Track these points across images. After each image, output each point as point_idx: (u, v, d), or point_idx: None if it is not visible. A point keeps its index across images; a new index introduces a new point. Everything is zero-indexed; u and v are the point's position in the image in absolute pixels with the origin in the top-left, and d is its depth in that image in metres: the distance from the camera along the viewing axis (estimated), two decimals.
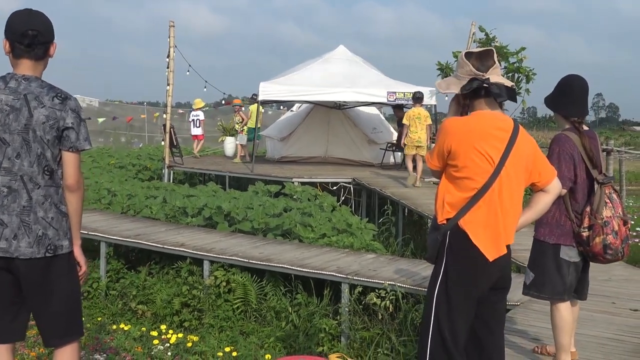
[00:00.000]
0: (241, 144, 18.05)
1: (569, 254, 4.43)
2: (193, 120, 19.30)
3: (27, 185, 3.39)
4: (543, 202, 3.61)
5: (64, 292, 3.53)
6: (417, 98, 13.58)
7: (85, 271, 3.69)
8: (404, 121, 13.40)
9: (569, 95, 4.48)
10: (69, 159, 3.44)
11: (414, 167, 13.48)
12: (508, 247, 3.43)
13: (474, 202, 3.32)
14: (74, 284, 3.60)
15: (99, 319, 7.85)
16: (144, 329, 7.11)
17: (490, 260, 3.32)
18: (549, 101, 4.56)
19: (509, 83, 3.52)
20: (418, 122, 13.26)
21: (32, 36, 3.36)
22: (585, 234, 4.33)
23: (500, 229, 3.37)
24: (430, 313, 3.42)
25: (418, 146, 13.22)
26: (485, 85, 3.38)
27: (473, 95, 3.43)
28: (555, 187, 3.65)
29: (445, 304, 3.38)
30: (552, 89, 4.58)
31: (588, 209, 4.34)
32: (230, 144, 20.70)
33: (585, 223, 4.33)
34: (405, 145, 13.35)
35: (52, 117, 3.37)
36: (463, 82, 3.42)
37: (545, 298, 4.52)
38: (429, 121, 13.83)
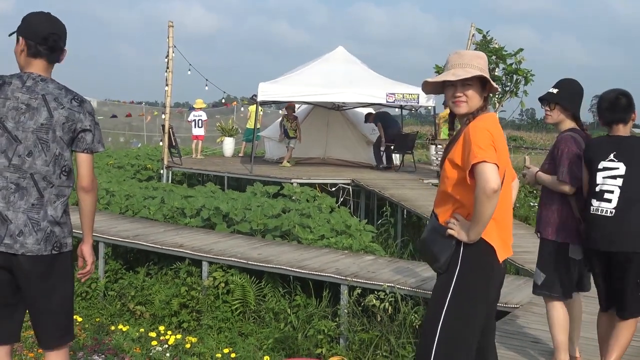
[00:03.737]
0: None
1: (576, 252, 4.53)
2: (195, 120, 19.21)
3: (38, 183, 3.41)
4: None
5: (65, 291, 3.58)
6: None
7: (90, 270, 3.74)
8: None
9: (580, 97, 4.62)
10: (84, 160, 3.52)
11: None
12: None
13: None
14: (72, 284, 3.66)
15: (98, 319, 7.84)
16: (142, 329, 7.09)
17: (500, 261, 3.31)
18: (567, 100, 4.60)
19: None
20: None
21: (53, 40, 3.47)
22: None
23: (507, 228, 3.37)
24: (437, 325, 3.23)
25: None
26: None
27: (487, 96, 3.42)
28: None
29: (458, 316, 3.23)
30: (547, 91, 4.65)
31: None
32: (229, 145, 20.66)
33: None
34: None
35: (71, 118, 3.45)
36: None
37: (557, 298, 4.55)
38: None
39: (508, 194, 3.40)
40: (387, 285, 6.88)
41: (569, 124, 4.59)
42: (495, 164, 3.10)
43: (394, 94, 15.32)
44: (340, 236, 9.41)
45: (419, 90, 15.51)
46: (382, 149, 16.87)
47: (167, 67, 16.40)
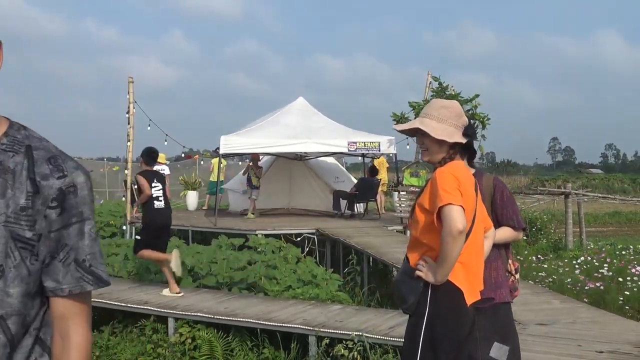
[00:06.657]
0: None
1: None
2: None
3: None
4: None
5: None
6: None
7: None
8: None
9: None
10: None
11: None
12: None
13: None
14: None
15: None
16: None
17: (468, 304, 3.34)
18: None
19: None
20: (382, 167, 16.97)
21: None
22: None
23: (476, 273, 3.42)
24: None
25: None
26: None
27: (460, 146, 3.48)
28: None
29: (432, 354, 3.28)
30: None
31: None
32: (192, 198, 20.57)
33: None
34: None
35: None
36: (460, 132, 3.47)
37: None
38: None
39: (478, 240, 3.45)
40: (355, 334, 6.85)
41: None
42: (461, 206, 3.18)
43: (355, 142, 15.53)
44: (306, 286, 9.38)
45: (379, 138, 15.77)
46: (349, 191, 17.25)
47: (129, 123, 16.35)
